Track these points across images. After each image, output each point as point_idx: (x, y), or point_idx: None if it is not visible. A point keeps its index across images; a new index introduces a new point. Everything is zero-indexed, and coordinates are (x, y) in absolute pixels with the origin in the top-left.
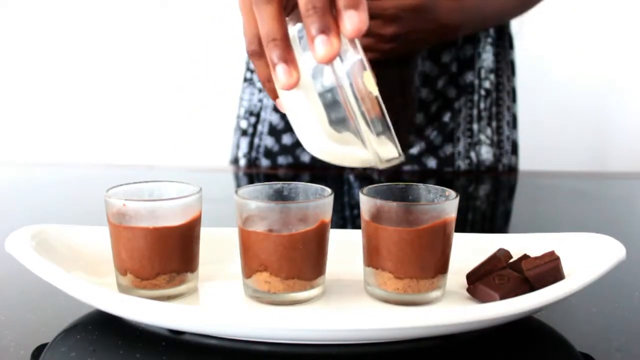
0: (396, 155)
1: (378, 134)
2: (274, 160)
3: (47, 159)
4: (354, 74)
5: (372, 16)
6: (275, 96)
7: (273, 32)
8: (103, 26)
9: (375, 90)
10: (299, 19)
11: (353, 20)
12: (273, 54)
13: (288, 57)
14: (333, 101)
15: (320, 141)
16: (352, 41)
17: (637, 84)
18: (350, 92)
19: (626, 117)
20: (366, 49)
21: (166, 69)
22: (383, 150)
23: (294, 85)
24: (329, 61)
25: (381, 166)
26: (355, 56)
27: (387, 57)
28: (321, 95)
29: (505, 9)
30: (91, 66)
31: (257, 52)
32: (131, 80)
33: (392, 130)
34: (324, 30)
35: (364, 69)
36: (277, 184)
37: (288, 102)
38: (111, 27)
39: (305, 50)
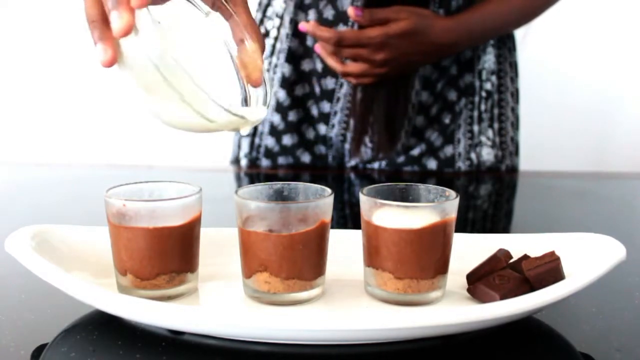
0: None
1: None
2: (275, 160)
3: (47, 159)
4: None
5: (362, 45)
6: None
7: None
8: None
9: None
10: None
11: (115, 22)
12: (94, 33)
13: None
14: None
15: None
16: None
17: (637, 84)
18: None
19: (626, 117)
20: (361, 74)
21: None
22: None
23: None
24: (110, 64)
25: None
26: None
27: (383, 79)
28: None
29: (507, 21)
30: (91, 66)
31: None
32: None
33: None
34: (101, 39)
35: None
36: (277, 184)
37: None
38: None
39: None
